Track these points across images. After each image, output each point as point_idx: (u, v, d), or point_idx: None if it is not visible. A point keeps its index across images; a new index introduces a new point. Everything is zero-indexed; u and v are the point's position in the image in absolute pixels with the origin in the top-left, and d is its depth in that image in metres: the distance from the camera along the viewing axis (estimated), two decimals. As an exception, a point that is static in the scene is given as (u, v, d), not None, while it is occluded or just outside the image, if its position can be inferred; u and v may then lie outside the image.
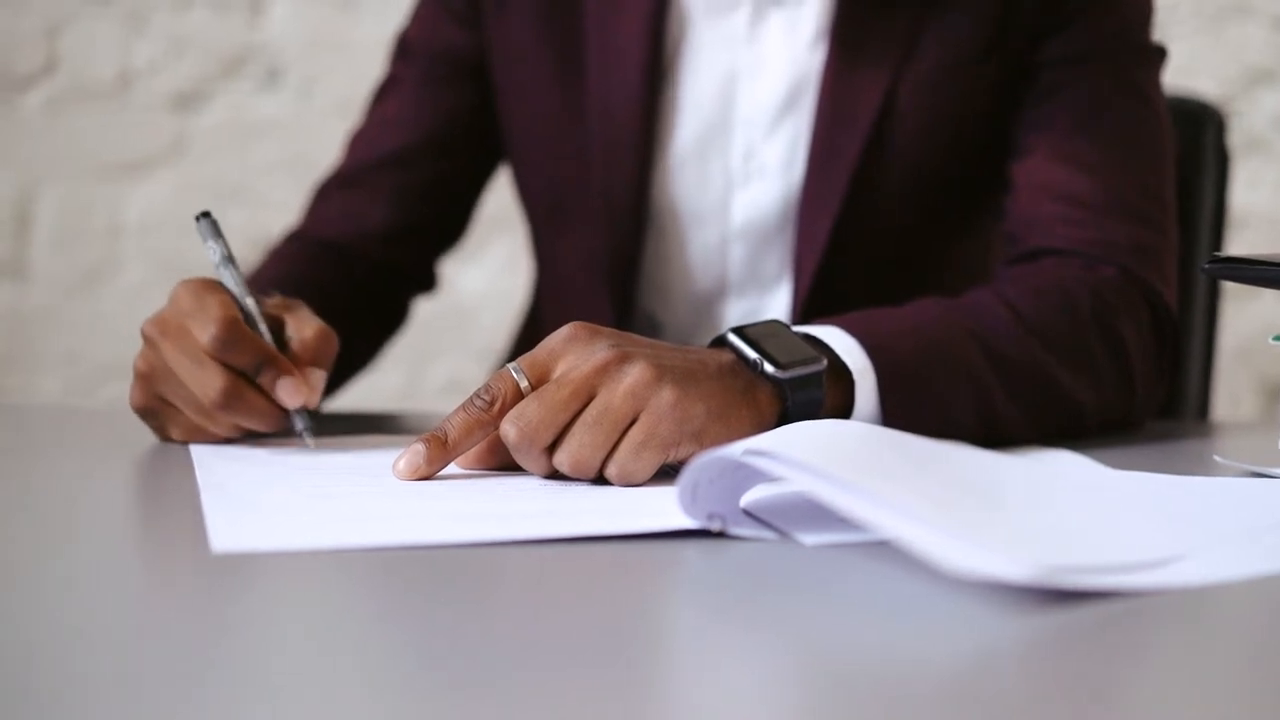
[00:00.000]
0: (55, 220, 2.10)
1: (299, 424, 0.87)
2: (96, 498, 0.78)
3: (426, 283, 1.26)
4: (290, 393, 0.86)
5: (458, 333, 2.14)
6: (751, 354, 0.83)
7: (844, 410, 0.87)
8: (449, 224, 1.25)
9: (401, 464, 0.79)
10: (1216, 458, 0.88)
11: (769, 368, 0.82)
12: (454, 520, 0.70)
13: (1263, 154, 2.06)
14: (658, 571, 0.63)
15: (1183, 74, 1.96)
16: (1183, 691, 0.49)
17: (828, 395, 0.85)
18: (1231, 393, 2.03)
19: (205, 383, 0.85)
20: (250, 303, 0.88)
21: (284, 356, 0.87)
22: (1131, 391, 1.03)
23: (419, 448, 0.79)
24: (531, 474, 0.79)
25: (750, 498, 0.70)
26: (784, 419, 0.82)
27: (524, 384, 0.79)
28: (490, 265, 2.09)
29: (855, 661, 0.51)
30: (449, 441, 0.79)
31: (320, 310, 0.96)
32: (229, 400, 0.85)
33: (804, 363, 0.83)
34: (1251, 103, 2.06)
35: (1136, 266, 1.06)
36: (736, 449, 0.65)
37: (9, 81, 2.09)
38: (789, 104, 1.13)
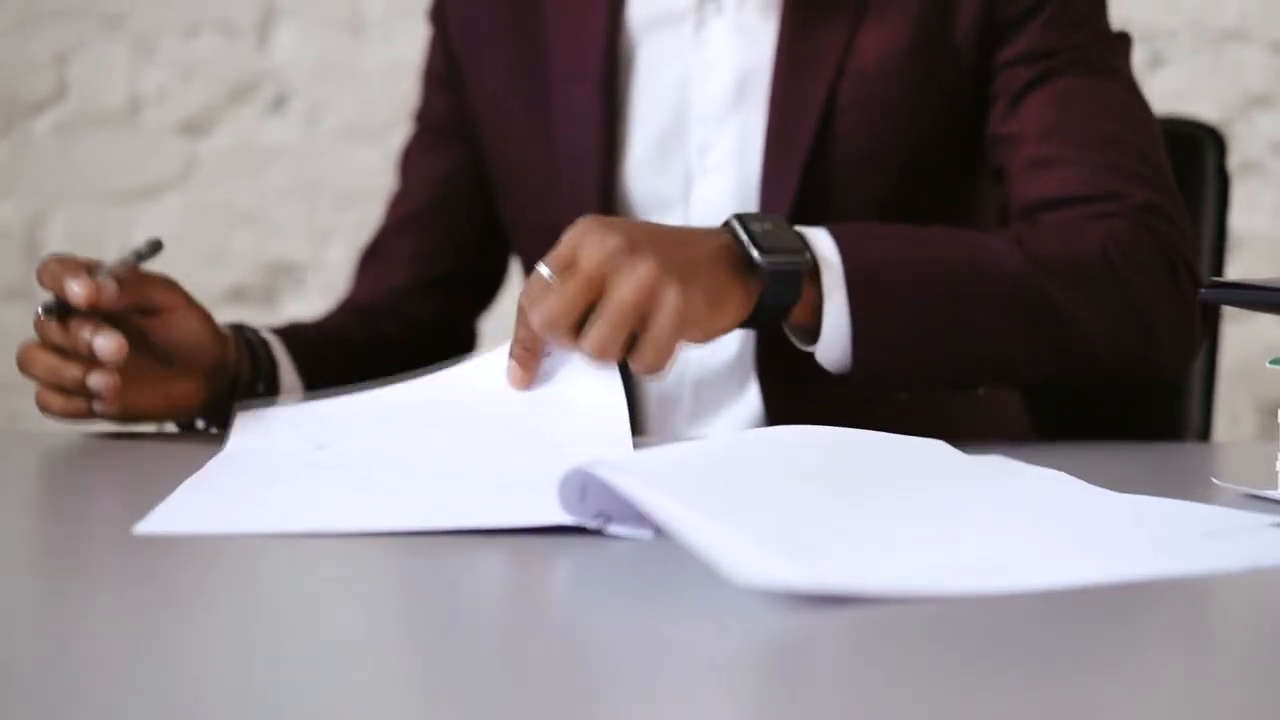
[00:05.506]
0: (65, 244, 2.11)
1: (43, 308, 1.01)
2: (100, 516, 0.79)
3: (466, 342, 1.33)
4: (75, 291, 1.02)
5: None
6: (744, 236, 0.94)
7: (816, 300, 0.97)
8: (472, 278, 1.31)
9: (512, 376, 0.92)
10: (1214, 480, 0.88)
11: (755, 254, 0.93)
12: (349, 512, 0.73)
13: (1259, 177, 2.07)
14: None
15: (1181, 98, 1.98)
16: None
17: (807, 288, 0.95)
18: (1232, 411, 2.04)
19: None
20: (104, 264, 1.06)
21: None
22: (1147, 328, 1.05)
23: (512, 364, 0.92)
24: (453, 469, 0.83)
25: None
26: (763, 299, 0.94)
27: (548, 275, 0.90)
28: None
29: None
30: (531, 342, 0.91)
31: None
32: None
33: (786, 252, 0.94)
34: (1249, 126, 2.07)
35: (1150, 219, 1.08)
36: (593, 464, 0.65)
37: (19, 107, 2.11)
38: (738, 98, 1.16)
